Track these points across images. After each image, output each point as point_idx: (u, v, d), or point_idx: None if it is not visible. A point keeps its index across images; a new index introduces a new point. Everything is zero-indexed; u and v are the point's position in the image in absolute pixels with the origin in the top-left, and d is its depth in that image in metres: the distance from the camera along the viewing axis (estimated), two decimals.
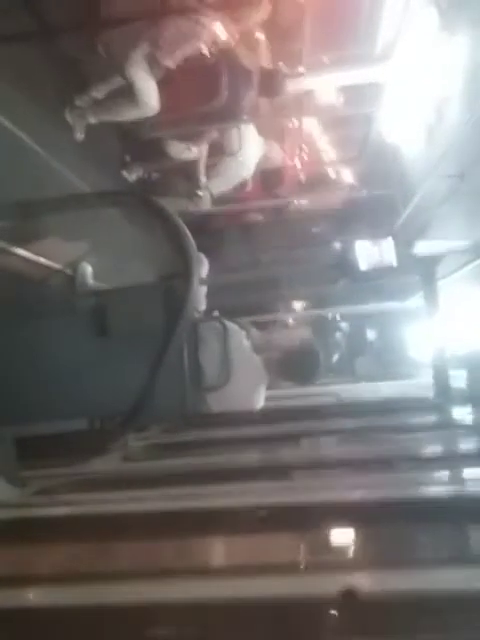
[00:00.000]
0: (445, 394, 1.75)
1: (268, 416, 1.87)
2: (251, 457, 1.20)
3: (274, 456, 1.15)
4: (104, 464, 1.17)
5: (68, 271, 2.81)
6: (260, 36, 3.42)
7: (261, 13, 2.73)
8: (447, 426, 1.41)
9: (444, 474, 0.91)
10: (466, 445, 1.16)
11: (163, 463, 1.20)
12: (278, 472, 0.97)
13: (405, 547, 0.63)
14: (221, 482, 0.87)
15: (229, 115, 3.31)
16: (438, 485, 0.83)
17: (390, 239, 2.24)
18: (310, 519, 0.67)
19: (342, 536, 0.61)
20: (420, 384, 3.18)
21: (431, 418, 1.54)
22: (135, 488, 0.94)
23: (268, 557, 0.67)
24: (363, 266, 2.21)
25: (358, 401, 3.09)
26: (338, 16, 3.33)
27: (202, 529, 0.71)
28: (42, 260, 2.56)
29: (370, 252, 2.34)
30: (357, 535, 0.64)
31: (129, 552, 0.70)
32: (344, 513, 0.67)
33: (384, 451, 1.11)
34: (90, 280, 2.89)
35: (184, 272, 1.34)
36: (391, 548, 0.63)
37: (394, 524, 0.66)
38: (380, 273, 2.28)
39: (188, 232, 1.44)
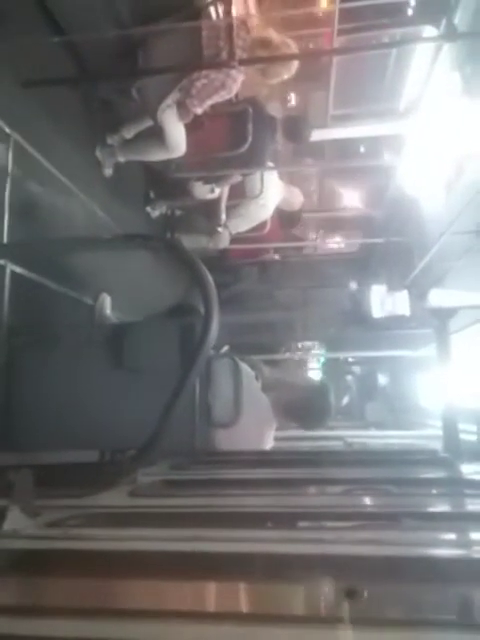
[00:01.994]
0: (454, 448, 1.74)
1: (275, 458, 1.88)
2: (257, 501, 1.21)
3: (280, 502, 1.16)
4: (111, 498, 1.18)
5: (88, 301, 2.87)
6: (287, 87, 3.58)
7: (290, 70, 2.86)
8: (456, 482, 1.40)
9: (450, 534, 0.91)
10: (474, 505, 1.16)
11: (170, 501, 1.21)
12: (284, 520, 0.98)
13: (408, 607, 0.64)
14: (227, 527, 0.88)
15: (253, 161, 3.42)
16: (444, 545, 0.84)
17: (405, 291, 2.28)
18: (314, 571, 0.68)
19: (344, 591, 0.63)
20: (430, 435, 3.16)
21: (440, 472, 1.54)
22: (143, 526, 0.96)
23: (270, 606, 0.68)
24: (376, 314, 2.24)
25: (367, 449, 3.06)
26: (365, 73, 3.47)
27: (206, 572, 0.73)
28: (63, 289, 2.63)
29: (384, 301, 2.37)
30: (360, 591, 0.65)
31: (135, 590, 0.72)
32: (349, 568, 0.68)
33: (391, 505, 1.11)
34: (109, 311, 2.96)
35: (204, 312, 1.39)
36: (394, 606, 0.64)
37: (398, 582, 0.67)
38: (393, 322, 2.31)
39: (208, 274, 1.49)
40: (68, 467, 1.47)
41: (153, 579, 0.69)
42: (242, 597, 0.66)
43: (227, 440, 2.10)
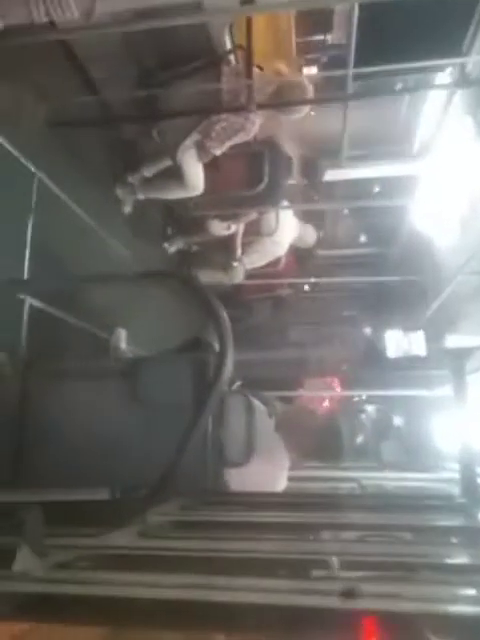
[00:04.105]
0: (472, 493, 1.69)
1: (288, 501, 1.84)
2: (269, 547, 1.18)
3: (293, 548, 1.13)
4: (121, 538, 1.16)
5: (104, 335, 2.90)
6: (303, 128, 3.67)
7: (306, 112, 2.95)
8: (474, 531, 1.36)
9: (468, 588, 0.88)
10: None
11: (179, 543, 1.19)
12: (297, 568, 0.95)
13: None
14: (238, 574, 0.86)
15: (269, 200, 3.49)
16: (463, 601, 0.81)
17: (421, 331, 2.27)
18: (330, 624, 0.66)
19: None
20: (446, 478, 3.08)
21: (457, 520, 1.49)
22: (152, 570, 0.93)
23: None
24: (391, 354, 2.22)
25: (382, 493, 2.99)
26: (379, 118, 3.55)
27: (216, 623, 0.71)
28: (80, 324, 2.66)
29: (399, 341, 2.36)
30: None
31: (138, 638, 0.70)
32: (365, 622, 0.66)
33: (406, 554, 1.08)
34: (124, 344, 2.98)
35: (219, 349, 1.39)
36: None
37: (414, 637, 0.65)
38: (408, 362, 2.29)
39: (223, 311, 1.50)
40: (78, 505, 1.45)
41: (160, 628, 0.68)
42: None
43: (239, 480, 2.06)
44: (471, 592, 0.81)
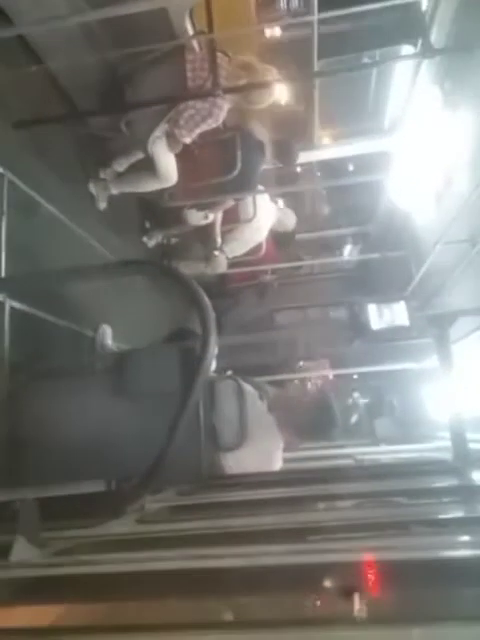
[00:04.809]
0: (464, 457, 1.72)
1: (284, 478, 1.85)
2: (266, 520, 1.19)
3: (290, 519, 1.14)
4: (119, 526, 1.17)
5: (89, 333, 2.88)
6: (273, 111, 3.66)
7: (274, 96, 2.93)
8: (466, 489, 1.38)
9: (463, 537, 0.90)
10: None
11: (177, 525, 1.20)
12: (293, 535, 0.96)
13: (422, 606, 0.63)
14: (236, 544, 0.87)
15: (244, 186, 3.48)
16: (457, 548, 0.83)
17: (402, 302, 2.28)
18: (324, 579, 0.67)
19: (357, 595, 0.62)
20: (440, 447, 3.12)
21: (450, 481, 1.52)
22: (151, 549, 0.94)
23: (281, 613, 0.67)
24: (375, 326, 2.24)
25: (376, 464, 3.02)
26: (348, 95, 3.55)
27: (217, 587, 0.72)
28: (63, 323, 2.64)
29: (382, 313, 2.37)
30: (372, 594, 0.64)
31: (145, 609, 0.71)
32: (359, 574, 0.67)
33: (401, 515, 1.10)
34: (110, 341, 2.96)
35: (202, 335, 1.39)
36: (407, 606, 0.63)
37: (410, 585, 0.66)
38: (393, 333, 2.31)
39: (205, 296, 1.50)
40: (74, 499, 1.45)
41: (162, 597, 0.68)
42: (253, 608, 0.65)
43: (235, 463, 2.08)
44: (465, 538, 0.83)
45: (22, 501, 1.03)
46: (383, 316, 2.27)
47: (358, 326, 2.33)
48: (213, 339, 1.33)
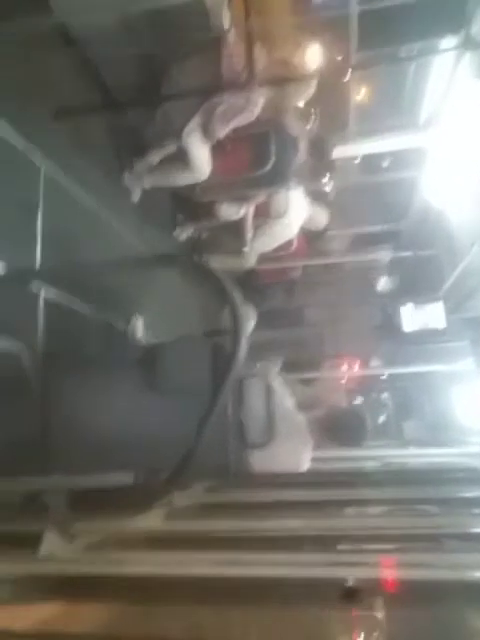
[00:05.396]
0: None
1: (312, 480, 1.83)
2: (295, 523, 1.18)
3: (319, 525, 1.12)
4: (148, 521, 1.17)
5: (121, 325, 2.90)
6: (309, 106, 3.61)
7: (310, 90, 2.89)
8: None
9: None
10: None
11: (206, 524, 1.19)
12: (324, 543, 0.94)
13: (453, 631, 0.60)
14: (265, 550, 0.86)
15: (277, 181, 3.44)
16: None
17: (440, 303, 2.21)
18: (356, 596, 0.65)
19: (385, 613, 0.59)
20: (471, 452, 3.05)
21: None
22: (179, 550, 0.94)
23: (310, 631, 0.65)
24: (408, 328, 2.18)
25: (405, 469, 2.97)
26: (384, 89, 3.47)
27: (245, 598, 0.70)
28: (96, 315, 2.67)
29: (416, 315, 2.31)
30: (402, 615, 0.62)
31: (171, 616, 0.70)
32: (391, 592, 0.65)
33: (431, 526, 1.07)
34: (141, 333, 2.97)
35: (233, 330, 1.38)
36: (438, 631, 0.61)
37: (442, 606, 0.64)
38: (426, 336, 2.25)
39: (237, 291, 1.48)
40: (104, 490, 1.46)
41: (190, 604, 0.68)
42: (282, 622, 0.64)
43: (262, 461, 2.06)
44: None
45: (52, 494, 1.04)
46: (417, 318, 2.21)
47: (390, 327, 2.27)
48: (245, 338, 1.32)
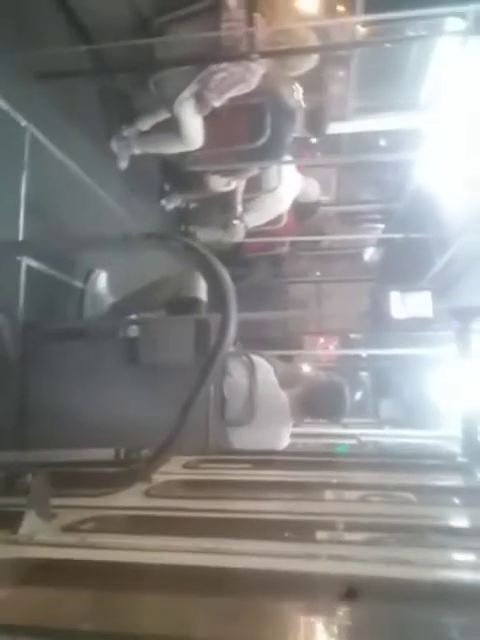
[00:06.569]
0: (474, 453, 1.71)
1: (290, 459, 1.85)
2: (273, 506, 1.19)
3: (297, 508, 1.14)
4: (127, 498, 1.17)
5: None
6: (307, 79, 3.52)
7: (310, 63, 2.81)
8: (475, 491, 1.37)
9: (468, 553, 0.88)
10: None
11: (185, 503, 1.20)
12: (302, 530, 0.96)
13: (431, 632, 0.61)
14: (244, 537, 0.86)
15: (271, 154, 3.37)
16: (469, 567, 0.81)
17: (428, 293, 2.22)
18: (332, 591, 0.66)
19: (364, 613, 0.60)
20: (445, 435, 3.11)
21: (459, 479, 1.50)
22: (158, 533, 0.94)
23: (282, 626, 0.66)
24: (396, 315, 2.19)
25: (383, 452, 3.03)
26: (384, 67, 3.40)
27: (222, 588, 0.71)
28: (79, 284, 2.61)
29: (405, 302, 2.32)
30: (371, 611, 0.63)
31: (148, 605, 0.71)
32: (370, 589, 0.66)
33: (412, 516, 1.09)
34: (104, 289, 2.72)
35: (222, 314, 1.37)
36: (416, 632, 0.62)
37: (413, 604, 0.65)
38: (413, 324, 2.26)
39: (227, 274, 1.47)
40: (83, 466, 1.46)
41: (168, 593, 0.68)
42: (260, 614, 0.65)
43: (242, 438, 2.09)
44: (471, 558, 0.82)
45: (35, 471, 1.03)
46: (405, 306, 2.22)
47: (378, 313, 2.28)
48: (234, 321, 1.31)
